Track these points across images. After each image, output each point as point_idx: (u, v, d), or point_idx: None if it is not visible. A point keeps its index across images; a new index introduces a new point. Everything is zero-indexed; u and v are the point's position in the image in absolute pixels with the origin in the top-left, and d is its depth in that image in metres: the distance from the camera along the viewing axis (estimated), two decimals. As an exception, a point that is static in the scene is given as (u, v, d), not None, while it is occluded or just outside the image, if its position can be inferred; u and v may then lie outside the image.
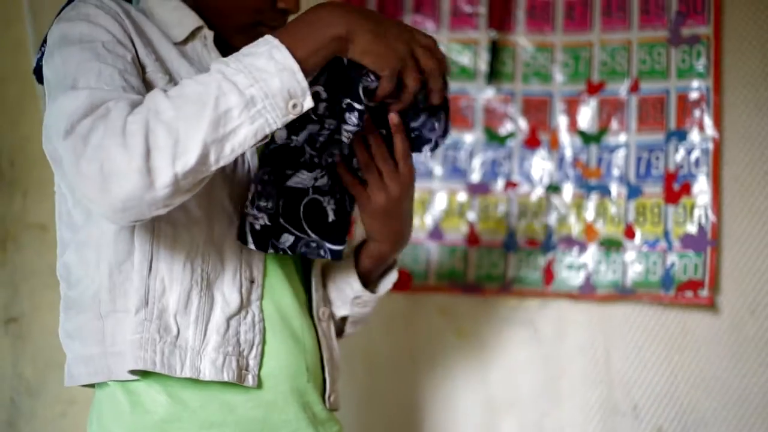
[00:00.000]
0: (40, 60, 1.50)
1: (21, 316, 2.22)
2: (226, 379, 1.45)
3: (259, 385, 1.49)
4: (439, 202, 2.38)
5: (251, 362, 1.48)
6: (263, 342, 1.50)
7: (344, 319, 1.77)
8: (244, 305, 1.49)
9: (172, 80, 1.46)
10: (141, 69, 1.44)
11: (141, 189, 1.25)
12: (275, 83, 1.30)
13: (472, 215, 2.35)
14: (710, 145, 2.13)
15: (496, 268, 2.32)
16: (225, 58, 1.35)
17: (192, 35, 1.55)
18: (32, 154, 2.18)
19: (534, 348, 2.32)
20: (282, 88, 1.31)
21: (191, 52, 1.55)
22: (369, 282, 1.74)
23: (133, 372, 1.44)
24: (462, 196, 2.36)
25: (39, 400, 2.23)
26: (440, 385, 2.36)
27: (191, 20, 1.55)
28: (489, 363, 2.34)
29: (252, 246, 1.50)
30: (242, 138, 1.30)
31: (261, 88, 1.30)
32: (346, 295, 1.72)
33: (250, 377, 1.48)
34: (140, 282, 1.43)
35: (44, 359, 2.18)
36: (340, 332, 1.78)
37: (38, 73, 1.49)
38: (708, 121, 2.13)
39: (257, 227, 1.50)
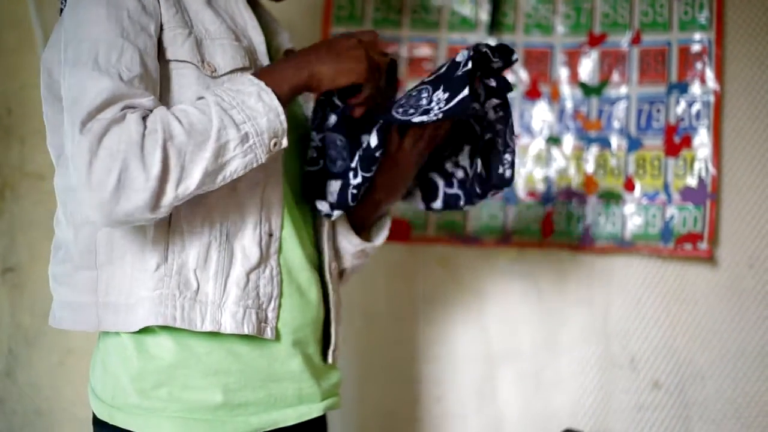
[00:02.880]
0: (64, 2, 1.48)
1: (18, 265, 2.21)
2: (246, 331, 1.46)
3: (277, 337, 1.50)
4: (439, 153, 2.36)
5: (270, 315, 1.50)
6: (280, 295, 1.51)
7: (342, 272, 1.77)
8: (263, 259, 1.49)
9: (192, 33, 1.46)
10: (160, 30, 1.44)
11: (147, 206, 1.31)
12: (263, 123, 1.39)
13: (471, 167, 2.32)
14: (711, 98, 2.12)
15: (495, 220, 2.32)
16: (216, 90, 1.40)
17: None
18: (30, 102, 2.17)
19: (533, 300, 2.32)
20: (269, 128, 1.39)
21: None
22: (362, 232, 1.75)
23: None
24: (461, 148, 2.35)
25: (36, 349, 2.23)
26: (439, 336, 2.37)
27: None
28: (488, 314, 2.35)
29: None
30: (234, 168, 1.37)
31: (253, 126, 1.38)
32: (346, 250, 1.73)
33: (268, 330, 1.49)
34: (160, 238, 1.43)
35: (42, 309, 2.17)
36: None
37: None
38: (709, 74, 2.12)
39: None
